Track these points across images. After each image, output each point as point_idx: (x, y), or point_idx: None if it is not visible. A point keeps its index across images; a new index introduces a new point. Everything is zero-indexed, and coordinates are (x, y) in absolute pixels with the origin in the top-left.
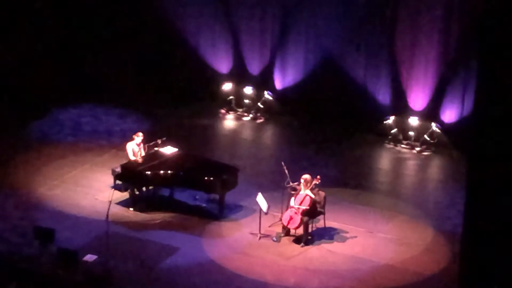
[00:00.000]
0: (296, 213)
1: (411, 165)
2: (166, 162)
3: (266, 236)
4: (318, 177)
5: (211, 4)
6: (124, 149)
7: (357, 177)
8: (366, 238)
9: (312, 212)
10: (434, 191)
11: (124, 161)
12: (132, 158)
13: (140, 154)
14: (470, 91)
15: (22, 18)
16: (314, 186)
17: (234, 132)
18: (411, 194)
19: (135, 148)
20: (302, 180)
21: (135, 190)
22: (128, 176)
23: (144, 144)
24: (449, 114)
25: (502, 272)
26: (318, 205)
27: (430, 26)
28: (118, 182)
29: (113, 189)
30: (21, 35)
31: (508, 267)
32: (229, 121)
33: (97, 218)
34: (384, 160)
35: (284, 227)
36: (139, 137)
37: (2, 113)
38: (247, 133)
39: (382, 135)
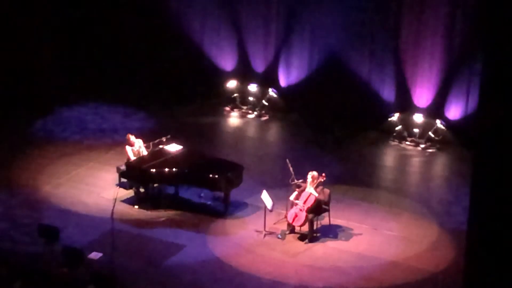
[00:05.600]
0: (301, 210)
1: (415, 162)
2: (171, 159)
3: (271, 233)
4: (324, 174)
5: (215, 1)
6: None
7: (362, 174)
8: (371, 235)
9: (317, 209)
10: (439, 188)
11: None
12: (133, 159)
13: (142, 152)
14: (474, 88)
15: (25, 16)
16: (319, 184)
17: (239, 130)
18: (415, 191)
19: (134, 148)
20: (309, 176)
21: (140, 188)
22: (133, 174)
23: (145, 142)
24: (454, 111)
25: (507, 270)
26: (322, 203)
27: (435, 23)
28: (123, 180)
29: (118, 187)
30: (25, 33)
31: None
32: (233, 119)
33: (102, 216)
34: (388, 157)
35: (289, 225)
36: (131, 138)
37: (7, 111)
38: (251, 131)
39: (387, 132)
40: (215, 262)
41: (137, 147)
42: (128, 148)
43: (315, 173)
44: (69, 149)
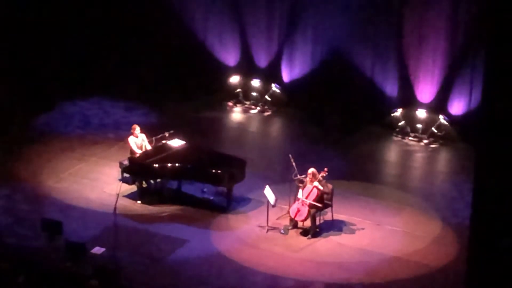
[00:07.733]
0: (303, 205)
1: (418, 158)
2: (173, 154)
3: (274, 228)
4: (326, 169)
5: None
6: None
7: (365, 169)
8: (373, 230)
9: (320, 204)
10: (441, 183)
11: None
12: (137, 151)
13: (145, 147)
14: (478, 83)
15: (28, 12)
16: (321, 179)
17: (242, 125)
18: (418, 187)
19: (137, 141)
20: (309, 173)
21: (143, 182)
22: (135, 169)
23: (148, 137)
24: (457, 106)
25: (510, 265)
26: (326, 197)
27: (438, 18)
28: (125, 174)
29: (120, 182)
30: (28, 28)
31: None
32: (236, 114)
33: (105, 211)
34: (391, 153)
35: (291, 220)
36: (137, 129)
37: (10, 105)
38: (254, 126)
39: (390, 128)
40: (218, 257)
41: (140, 141)
42: (131, 139)
43: (313, 169)
44: (72, 144)
